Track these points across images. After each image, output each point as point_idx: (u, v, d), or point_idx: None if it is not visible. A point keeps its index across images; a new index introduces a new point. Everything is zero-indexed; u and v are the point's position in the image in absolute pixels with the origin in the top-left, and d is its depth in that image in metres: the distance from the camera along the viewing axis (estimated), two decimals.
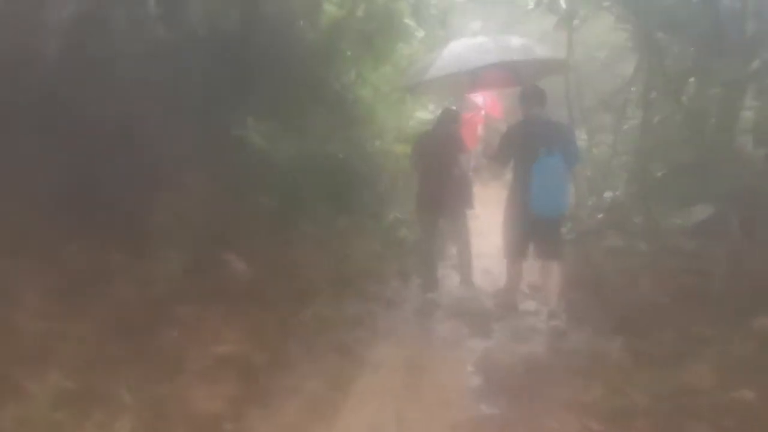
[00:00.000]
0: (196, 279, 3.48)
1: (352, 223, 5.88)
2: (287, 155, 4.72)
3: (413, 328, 4.80)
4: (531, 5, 7.88)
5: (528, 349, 4.36)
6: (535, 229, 4.54)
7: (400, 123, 8.07)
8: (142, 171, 3.44)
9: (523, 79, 5.12)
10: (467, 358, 4.24)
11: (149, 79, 3.78)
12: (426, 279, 5.23)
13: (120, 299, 3.24)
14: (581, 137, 7.74)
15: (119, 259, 3.29)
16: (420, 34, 7.18)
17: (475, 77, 5.28)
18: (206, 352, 3.23)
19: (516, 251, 4.77)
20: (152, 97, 3.70)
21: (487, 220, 6.22)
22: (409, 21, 6.69)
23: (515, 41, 5.17)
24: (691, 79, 6.36)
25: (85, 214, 3.18)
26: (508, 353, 4.29)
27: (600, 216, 6.17)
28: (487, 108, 9.44)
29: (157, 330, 3.25)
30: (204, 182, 3.85)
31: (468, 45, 5.19)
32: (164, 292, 3.32)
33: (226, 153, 4.18)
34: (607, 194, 6.78)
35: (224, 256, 3.73)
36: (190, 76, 4.18)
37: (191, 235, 3.56)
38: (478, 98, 9.52)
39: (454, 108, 5.74)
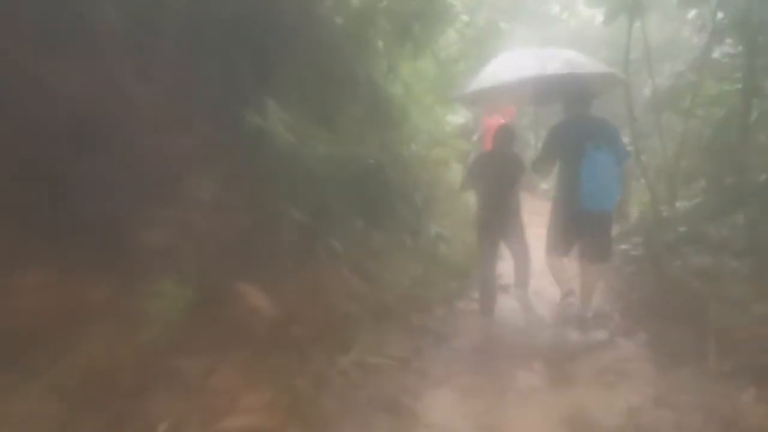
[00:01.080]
0: (201, 320, 2.54)
1: (389, 240, 4.95)
2: (316, 155, 3.80)
3: (471, 368, 3.85)
4: None
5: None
6: (584, 226, 4.46)
7: (433, 127, 7.17)
8: (128, 173, 2.52)
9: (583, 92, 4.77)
10: (548, 409, 3.30)
11: (142, 55, 2.90)
12: (485, 303, 4.90)
13: (96, 350, 2.32)
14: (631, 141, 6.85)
15: (96, 295, 2.37)
16: (465, 18, 6.29)
17: (532, 89, 5.06)
18: (215, 425, 2.30)
19: (563, 249, 4.67)
20: (145, 78, 2.83)
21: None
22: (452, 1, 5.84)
23: (569, 55, 4.90)
24: None
25: (46, 233, 2.28)
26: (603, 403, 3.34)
27: (681, 230, 5.20)
28: (506, 113, 8.88)
29: (147, 393, 2.33)
30: (212, 188, 2.92)
31: (526, 55, 4.96)
32: (159, 340, 2.40)
33: (241, 150, 3.25)
34: (681, 204, 5.81)
35: (240, 288, 2.80)
36: (197, 54, 3.29)
37: (195, 259, 2.64)
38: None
39: (509, 125, 5.46)
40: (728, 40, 6.65)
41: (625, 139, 9.82)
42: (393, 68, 6.11)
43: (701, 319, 4.12)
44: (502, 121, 9.65)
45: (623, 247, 5.76)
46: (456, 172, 8.51)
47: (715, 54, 6.20)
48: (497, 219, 4.77)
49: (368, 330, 3.76)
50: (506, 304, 5.10)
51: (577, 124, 4.54)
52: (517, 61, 4.84)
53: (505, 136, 4.93)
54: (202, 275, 2.61)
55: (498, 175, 4.74)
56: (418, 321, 4.41)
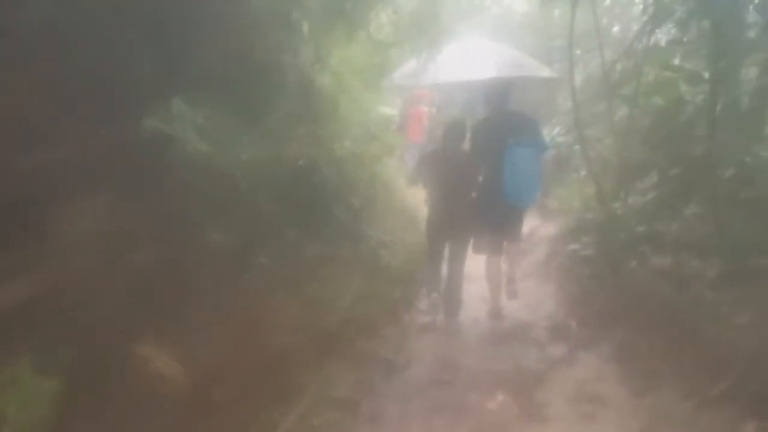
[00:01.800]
0: (85, 409, 1.84)
1: (327, 250, 4.34)
2: (236, 161, 3.12)
3: (431, 406, 3.31)
4: None
5: None
6: (505, 219, 4.61)
7: (365, 119, 6.56)
8: None
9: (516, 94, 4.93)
10: None
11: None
12: (431, 286, 4.72)
13: None
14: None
15: None
16: None
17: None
18: None
19: (492, 246, 4.70)
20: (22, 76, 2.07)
21: None
22: None
23: (511, 56, 5.45)
24: None
25: None
26: None
27: (638, 228, 4.87)
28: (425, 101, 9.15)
29: None
30: (98, 215, 2.19)
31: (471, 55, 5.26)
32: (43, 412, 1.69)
33: (139, 163, 2.51)
34: (634, 199, 5.50)
35: (139, 353, 2.10)
36: (77, 46, 2.51)
37: (73, 319, 1.92)
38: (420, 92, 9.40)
39: (461, 120, 5.04)
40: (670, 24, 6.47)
41: (562, 130, 9.70)
42: (321, 55, 5.45)
43: (671, 329, 3.78)
44: (425, 110, 9.77)
45: (573, 246, 5.40)
46: (392, 169, 8.01)
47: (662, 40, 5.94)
48: (448, 223, 4.51)
49: (309, 369, 3.15)
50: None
51: (499, 121, 4.62)
52: (474, 59, 5.11)
53: (457, 132, 4.60)
54: (84, 341, 1.91)
55: (450, 177, 4.45)
56: (365, 347, 3.84)
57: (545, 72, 4.84)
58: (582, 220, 5.99)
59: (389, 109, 8.00)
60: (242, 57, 3.97)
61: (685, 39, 5.59)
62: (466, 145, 4.64)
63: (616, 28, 12.88)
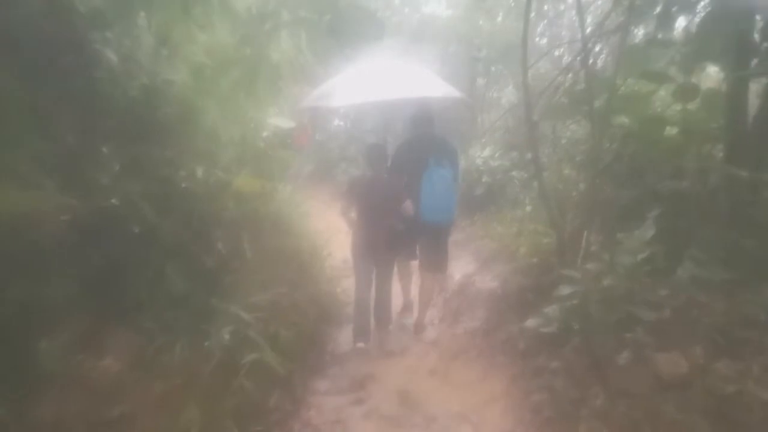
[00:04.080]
0: None
1: (147, 353, 2.53)
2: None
3: None
4: None
5: None
6: (424, 236, 4.77)
7: (246, 134, 4.78)
8: None
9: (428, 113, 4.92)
10: None
11: None
12: (358, 331, 4.59)
13: None
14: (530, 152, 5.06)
15: None
16: None
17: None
18: None
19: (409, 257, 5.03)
20: None
21: None
22: None
23: (419, 75, 5.00)
24: None
25: None
26: None
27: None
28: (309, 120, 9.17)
29: None
30: None
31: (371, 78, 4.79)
32: None
33: None
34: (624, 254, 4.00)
35: None
36: None
37: None
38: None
39: (379, 143, 5.32)
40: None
41: (495, 153, 8.28)
42: (167, 39, 3.63)
43: None
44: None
45: (530, 323, 3.74)
46: (287, 198, 6.26)
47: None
48: (375, 246, 4.58)
49: None
50: None
51: (422, 142, 4.72)
52: (369, 82, 4.69)
53: (378, 155, 4.67)
54: None
55: (374, 199, 4.54)
56: None
57: (455, 93, 4.94)
58: (538, 277, 4.47)
59: (286, 121, 6.21)
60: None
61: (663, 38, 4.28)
62: (387, 167, 4.69)
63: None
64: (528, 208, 5.89)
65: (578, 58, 5.80)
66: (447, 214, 4.66)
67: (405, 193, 4.51)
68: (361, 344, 4.51)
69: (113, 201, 2.75)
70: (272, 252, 4.62)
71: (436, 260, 4.85)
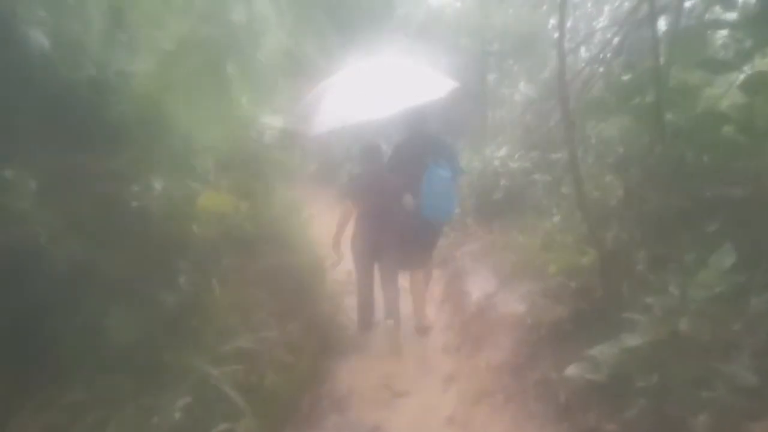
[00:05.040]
0: None
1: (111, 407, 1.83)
2: None
3: None
4: None
5: None
6: (421, 234, 4.78)
7: (230, 135, 4.08)
8: None
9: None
10: None
11: None
12: (363, 323, 4.80)
13: None
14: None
15: None
16: None
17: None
18: None
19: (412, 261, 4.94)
20: None
21: None
22: None
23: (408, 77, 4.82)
24: None
25: None
26: None
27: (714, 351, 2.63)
28: None
29: None
30: None
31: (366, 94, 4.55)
32: None
33: None
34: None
35: None
36: None
37: None
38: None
39: (374, 142, 5.04)
40: None
41: (514, 152, 7.53)
42: (123, 21, 2.93)
43: None
44: None
45: (574, 370, 2.96)
46: (286, 204, 5.54)
47: None
48: (376, 243, 4.64)
49: None
50: None
51: (419, 142, 4.71)
52: (359, 99, 4.48)
53: (373, 154, 4.76)
54: None
55: (372, 198, 4.59)
56: None
57: (449, 85, 4.62)
58: (575, 304, 3.74)
59: (282, 120, 5.53)
60: None
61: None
62: (384, 166, 4.74)
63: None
64: (556, 218, 5.15)
65: (614, 43, 5.10)
66: (444, 213, 4.76)
67: (404, 189, 4.57)
68: (366, 331, 4.76)
69: (32, 230, 2.04)
70: (261, 276, 3.93)
71: (423, 257, 4.97)
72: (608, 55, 5.39)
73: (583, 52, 7.62)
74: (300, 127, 4.94)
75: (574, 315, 3.68)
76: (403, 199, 4.58)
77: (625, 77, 4.08)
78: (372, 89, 4.58)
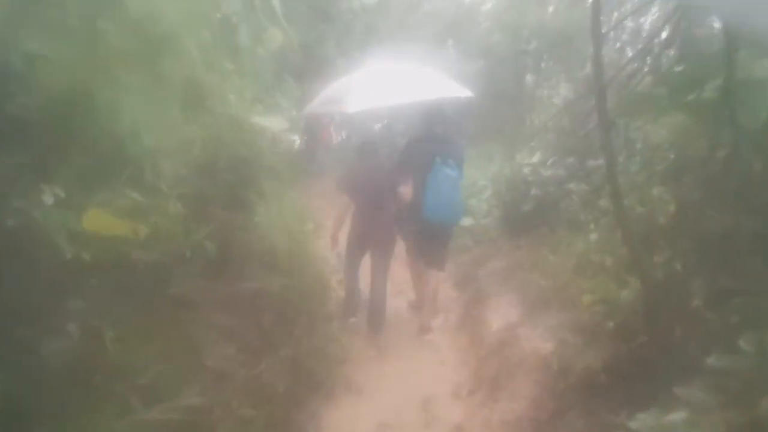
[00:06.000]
0: None
1: None
2: None
3: None
4: None
5: None
6: (429, 235, 4.72)
7: (202, 134, 3.46)
8: None
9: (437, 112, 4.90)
10: None
11: None
12: (347, 310, 4.88)
13: None
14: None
15: None
16: None
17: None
18: None
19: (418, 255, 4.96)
20: None
21: None
22: None
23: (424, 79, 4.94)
24: None
25: None
26: None
27: None
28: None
29: None
30: None
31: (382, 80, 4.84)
32: None
33: None
34: None
35: None
36: None
37: None
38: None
39: (371, 140, 5.66)
40: None
41: (548, 158, 6.75)
42: None
43: None
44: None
45: None
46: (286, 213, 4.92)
47: None
48: (368, 234, 4.71)
49: None
50: None
51: (431, 141, 4.69)
52: (381, 86, 4.69)
53: (369, 150, 4.85)
54: None
55: (366, 192, 4.65)
56: None
57: (459, 92, 4.76)
58: (613, 347, 2.96)
59: (277, 121, 4.89)
60: None
61: None
62: (381, 162, 4.86)
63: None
64: (593, 236, 4.35)
65: (666, 29, 4.30)
66: (452, 213, 4.74)
67: (395, 185, 4.59)
68: (353, 319, 4.81)
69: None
70: (233, 304, 3.29)
71: (440, 259, 4.92)
72: (656, 49, 4.61)
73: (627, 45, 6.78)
74: (330, 107, 5.14)
75: (610, 363, 2.92)
76: (398, 191, 4.59)
77: (679, 68, 3.29)
78: (400, 79, 4.82)
